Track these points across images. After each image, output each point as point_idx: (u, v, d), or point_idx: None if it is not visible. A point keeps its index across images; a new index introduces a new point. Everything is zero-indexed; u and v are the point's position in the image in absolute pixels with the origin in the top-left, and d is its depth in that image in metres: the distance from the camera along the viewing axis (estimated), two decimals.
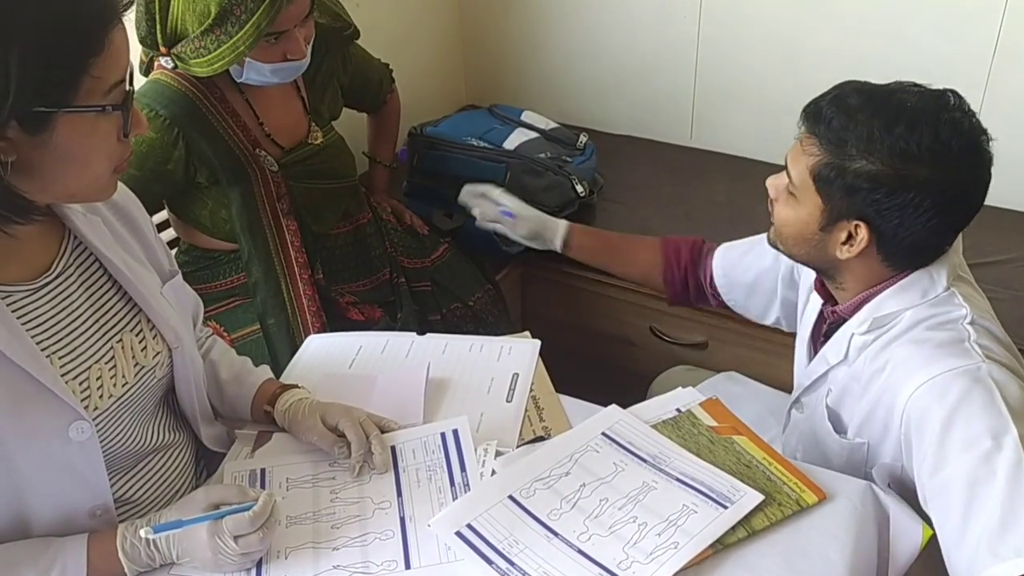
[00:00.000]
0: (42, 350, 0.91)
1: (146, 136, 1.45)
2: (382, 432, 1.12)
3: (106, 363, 0.97)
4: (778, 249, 1.21)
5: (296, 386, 1.19)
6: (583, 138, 2.20)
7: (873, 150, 1.03)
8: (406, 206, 2.00)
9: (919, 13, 1.98)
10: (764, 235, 1.26)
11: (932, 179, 1.02)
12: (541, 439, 1.14)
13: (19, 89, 0.77)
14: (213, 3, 1.39)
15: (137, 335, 1.02)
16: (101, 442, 0.95)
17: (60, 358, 0.93)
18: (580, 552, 0.96)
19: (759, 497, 1.00)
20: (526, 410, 1.19)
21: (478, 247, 2.00)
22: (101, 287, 1.00)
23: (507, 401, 1.21)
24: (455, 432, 1.14)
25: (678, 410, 1.17)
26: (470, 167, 2.00)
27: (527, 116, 2.21)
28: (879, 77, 1.12)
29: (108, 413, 0.97)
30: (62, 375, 0.92)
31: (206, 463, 1.17)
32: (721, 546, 0.96)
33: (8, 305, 0.89)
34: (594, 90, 2.50)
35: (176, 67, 1.50)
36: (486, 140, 2.07)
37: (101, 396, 0.96)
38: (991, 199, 1.09)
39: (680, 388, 1.22)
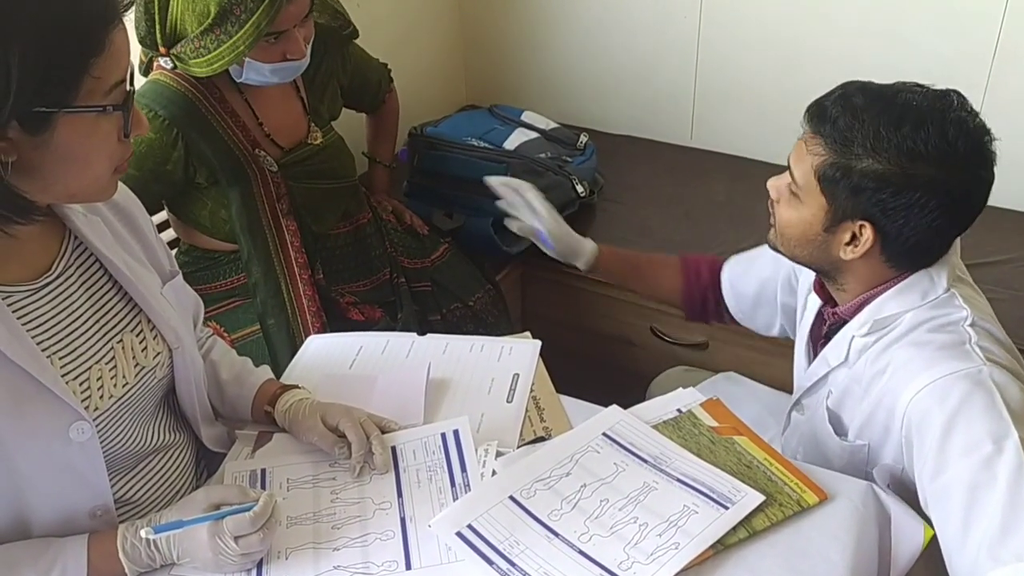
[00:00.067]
0: (42, 350, 0.91)
1: (145, 136, 1.45)
2: (383, 432, 1.12)
3: (106, 363, 0.97)
4: (779, 251, 1.21)
5: (296, 386, 1.19)
6: (583, 138, 2.20)
7: (880, 149, 1.03)
8: (406, 206, 2.00)
9: (919, 14, 1.98)
10: (765, 245, 1.25)
11: (938, 179, 1.02)
12: (542, 439, 1.14)
13: (19, 89, 0.77)
14: (213, 3, 1.39)
15: (137, 335, 1.02)
16: (101, 442, 0.95)
17: (60, 358, 0.93)
18: (581, 552, 0.96)
19: (760, 498, 1.00)
20: (527, 410, 1.19)
21: (478, 247, 2.00)
22: (101, 287, 1.00)
23: (508, 401, 1.21)
24: (456, 432, 1.14)
25: (679, 410, 1.17)
26: (470, 167, 2.00)
27: (527, 116, 2.21)
28: (879, 78, 1.11)
29: (108, 413, 0.97)
30: (62, 375, 0.92)
31: (206, 463, 1.17)
32: (722, 547, 0.96)
33: (8, 305, 0.89)
34: (594, 90, 2.50)
35: (175, 67, 1.50)
36: (486, 140, 2.07)
37: (101, 396, 0.96)
38: (991, 199, 1.09)
39: (681, 388, 1.22)
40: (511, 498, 1.03)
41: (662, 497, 1.02)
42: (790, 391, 1.36)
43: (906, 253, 1.10)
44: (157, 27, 1.46)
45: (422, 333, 1.37)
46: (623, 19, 2.35)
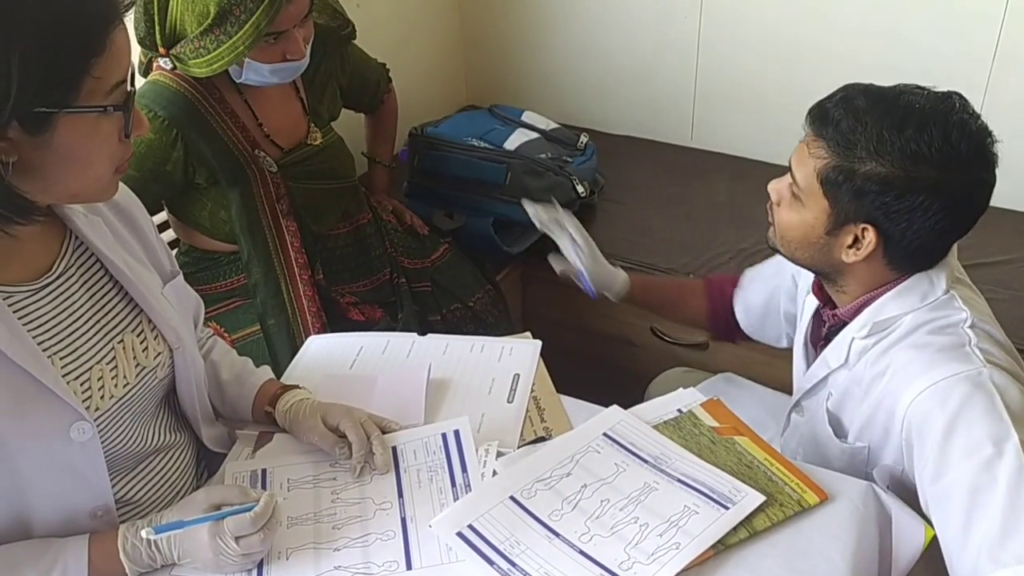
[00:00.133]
0: (43, 351, 0.91)
1: (145, 137, 1.45)
2: (383, 433, 1.12)
3: (107, 363, 0.97)
4: (778, 252, 1.21)
5: (297, 387, 1.19)
6: (584, 138, 2.20)
7: (883, 152, 1.02)
8: (407, 206, 2.00)
9: (919, 14, 1.98)
10: (771, 259, 1.24)
11: (941, 181, 1.02)
12: (542, 440, 1.14)
13: (20, 89, 0.77)
14: (212, 3, 1.39)
15: (138, 335, 1.02)
16: (102, 443, 0.95)
17: (61, 359, 0.93)
18: (581, 553, 0.96)
19: (760, 498, 1.00)
20: (527, 411, 1.19)
21: (478, 247, 2.00)
22: (102, 287, 1.00)
23: (508, 402, 1.21)
24: (456, 433, 1.14)
25: (679, 411, 1.17)
26: (471, 167, 2.00)
27: (527, 116, 2.21)
28: (879, 78, 1.11)
29: (109, 414, 0.97)
30: (63, 376, 0.92)
31: (207, 464, 1.17)
32: (723, 547, 0.96)
33: (9, 306, 0.89)
34: (594, 90, 2.51)
35: (175, 68, 1.50)
36: (487, 140, 2.07)
37: (102, 397, 0.96)
38: (992, 199, 1.09)
39: (681, 389, 1.22)
40: (512, 498, 1.03)
41: (663, 497, 1.02)
42: (789, 392, 1.36)
43: (908, 256, 1.09)
44: (156, 27, 1.46)
45: (423, 333, 1.37)
46: (623, 19, 2.36)
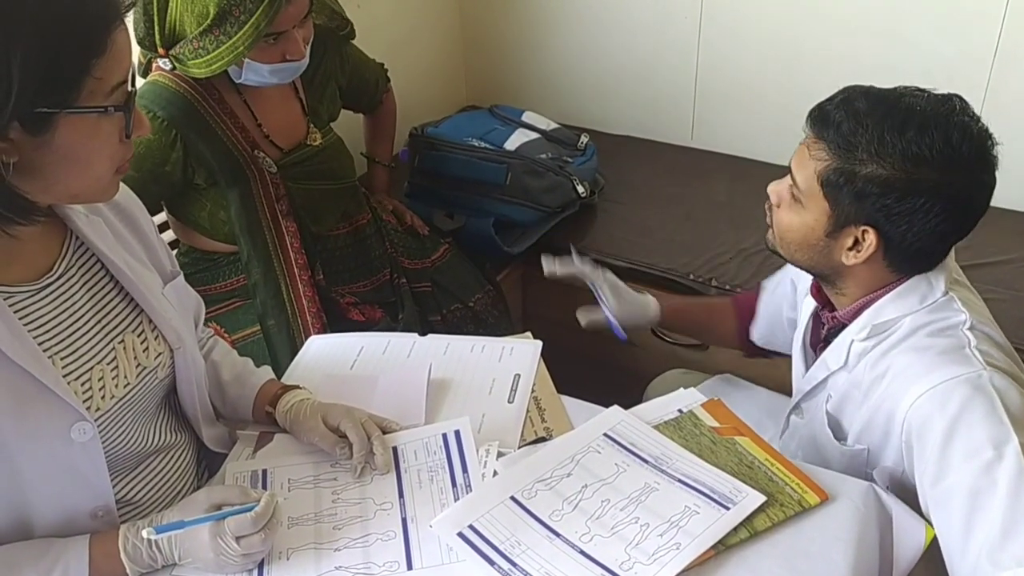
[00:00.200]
0: (44, 351, 0.91)
1: (144, 137, 1.45)
2: (384, 433, 1.12)
3: (108, 364, 0.97)
4: (777, 254, 1.20)
5: (298, 387, 1.19)
6: (584, 139, 2.21)
7: (884, 154, 1.02)
8: (407, 207, 2.00)
9: (919, 14, 1.98)
10: (781, 271, 1.24)
11: (942, 183, 1.02)
12: (543, 440, 1.14)
13: (21, 90, 0.77)
14: (212, 4, 1.39)
15: (139, 336, 1.02)
16: (103, 443, 0.95)
17: (62, 359, 0.93)
18: (582, 553, 0.96)
19: (761, 498, 1.00)
20: (528, 411, 1.19)
21: (479, 248, 2.00)
22: (103, 288, 1.00)
23: (509, 402, 1.21)
24: (457, 433, 1.14)
25: (680, 411, 1.17)
26: (471, 168, 2.00)
27: (528, 117, 2.21)
28: (879, 78, 1.11)
29: (110, 414, 0.97)
30: (64, 376, 0.92)
31: (208, 464, 1.17)
32: (723, 547, 0.96)
33: (10, 306, 0.89)
34: (595, 91, 2.51)
35: (174, 68, 1.49)
36: (487, 141, 2.07)
37: (103, 397, 0.96)
38: (991, 199, 1.09)
39: (682, 389, 1.22)
40: (512, 498, 1.03)
41: (663, 497, 1.02)
42: (787, 393, 1.36)
43: (908, 258, 1.09)
44: (156, 28, 1.46)
45: (423, 334, 1.37)
46: (623, 19, 2.36)
